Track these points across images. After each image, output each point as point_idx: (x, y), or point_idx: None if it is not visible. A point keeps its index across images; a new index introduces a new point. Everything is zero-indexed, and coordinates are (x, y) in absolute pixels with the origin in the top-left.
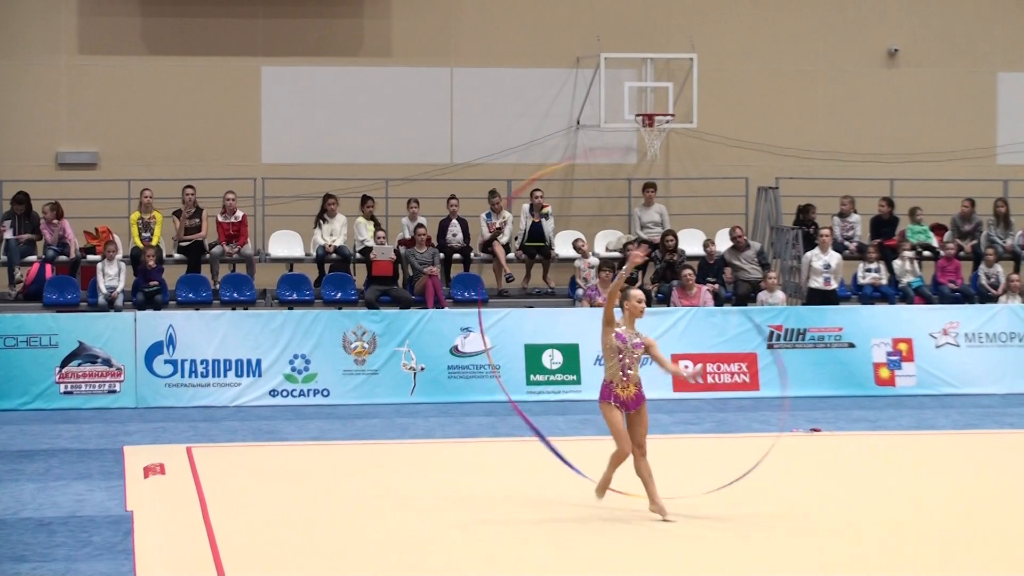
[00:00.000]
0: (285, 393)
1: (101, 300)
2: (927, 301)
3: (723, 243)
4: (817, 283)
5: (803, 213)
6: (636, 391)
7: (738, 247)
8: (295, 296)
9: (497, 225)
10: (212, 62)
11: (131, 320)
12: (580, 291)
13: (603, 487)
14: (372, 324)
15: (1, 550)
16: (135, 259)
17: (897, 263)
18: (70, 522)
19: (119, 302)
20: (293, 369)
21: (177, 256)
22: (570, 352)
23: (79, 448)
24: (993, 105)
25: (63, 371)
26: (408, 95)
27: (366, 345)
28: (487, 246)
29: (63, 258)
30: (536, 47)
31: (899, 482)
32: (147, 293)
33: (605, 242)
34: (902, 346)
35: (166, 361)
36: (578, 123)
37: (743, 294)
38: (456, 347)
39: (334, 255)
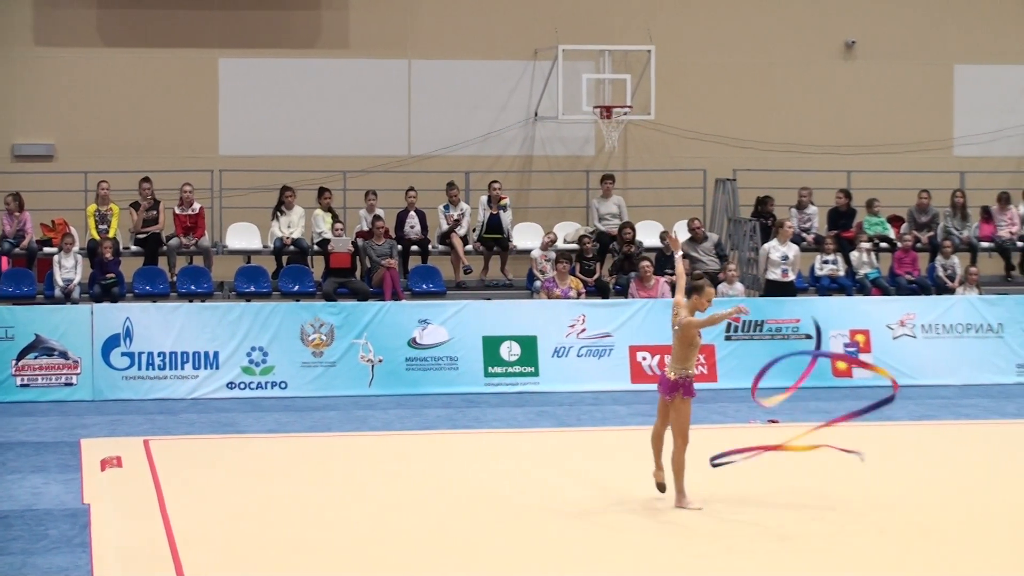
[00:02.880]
0: (243, 385)
1: (58, 292)
2: (884, 293)
3: (680, 235)
4: (775, 275)
5: (761, 205)
6: None
7: (696, 239)
8: (253, 288)
9: (455, 217)
10: (169, 54)
11: (88, 313)
12: (538, 283)
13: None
14: (330, 316)
15: None
16: (92, 251)
17: (854, 255)
18: (26, 515)
19: (76, 294)
20: (251, 361)
21: (134, 248)
22: (528, 344)
23: (36, 441)
24: (950, 97)
25: (19, 364)
26: (366, 87)
27: (324, 337)
28: (445, 238)
29: (19, 250)
30: (494, 39)
31: (856, 473)
32: (104, 285)
33: (563, 234)
34: (859, 337)
35: (123, 354)
36: (536, 115)
37: None
38: (414, 339)
39: (291, 247)
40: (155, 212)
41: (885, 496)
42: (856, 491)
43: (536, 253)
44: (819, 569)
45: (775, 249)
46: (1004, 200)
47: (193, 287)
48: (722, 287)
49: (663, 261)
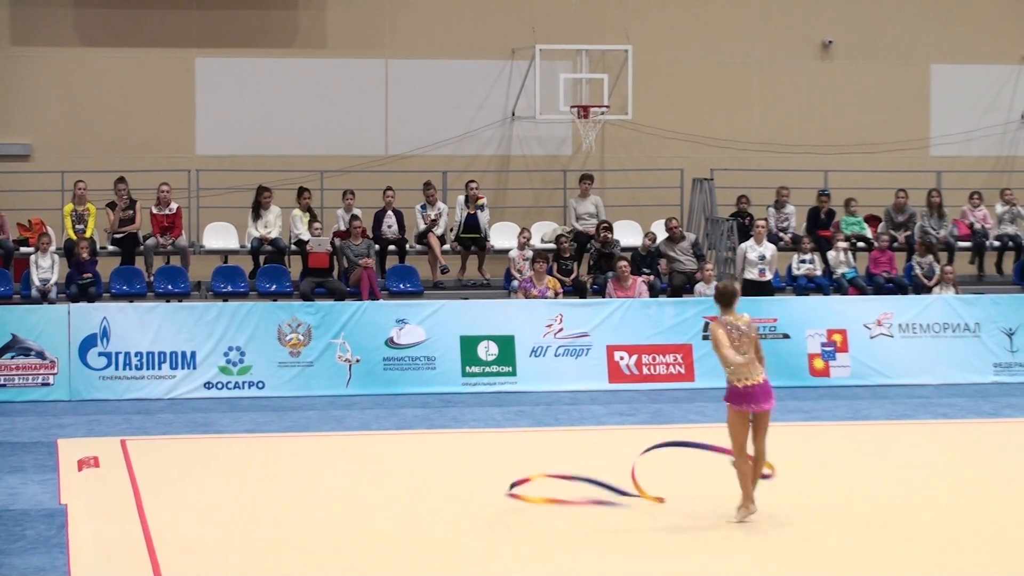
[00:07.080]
0: (220, 385)
1: (34, 292)
2: (861, 292)
3: (658, 234)
4: (752, 274)
5: (739, 204)
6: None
7: (673, 238)
8: (230, 288)
9: (432, 217)
10: (146, 53)
11: (65, 312)
12: (515, 283)
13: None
14: (307, 316)
15: None
16: (69, 251)
17: (831, 254)
18: (3, 516)
19: (53, 294)
20: (228, 361)
21: (111, 248)
22: (505, 343)
23: (12, 441)
24: (927, 97)
25: None
26: (343, 87)
27: (301, 337)
28: (422, 238)
29: None
30: (471, 39)
31: (834, 473)
32: (81, 285)
33: (540, 234)
34: (836, 337)
35: (100, 354)
36: (513, 115)
37: (678, 285)
38: (391, 339)
39: (269, 247)
40: (131, 212)
41: (861, 495)
42: (834, 490)
43: (514, 253)
44: (799, 568)
45: (752, 249)
46: (976, 197)
47: (170, 287)
48: (699, 287)
49: (640, 260)
